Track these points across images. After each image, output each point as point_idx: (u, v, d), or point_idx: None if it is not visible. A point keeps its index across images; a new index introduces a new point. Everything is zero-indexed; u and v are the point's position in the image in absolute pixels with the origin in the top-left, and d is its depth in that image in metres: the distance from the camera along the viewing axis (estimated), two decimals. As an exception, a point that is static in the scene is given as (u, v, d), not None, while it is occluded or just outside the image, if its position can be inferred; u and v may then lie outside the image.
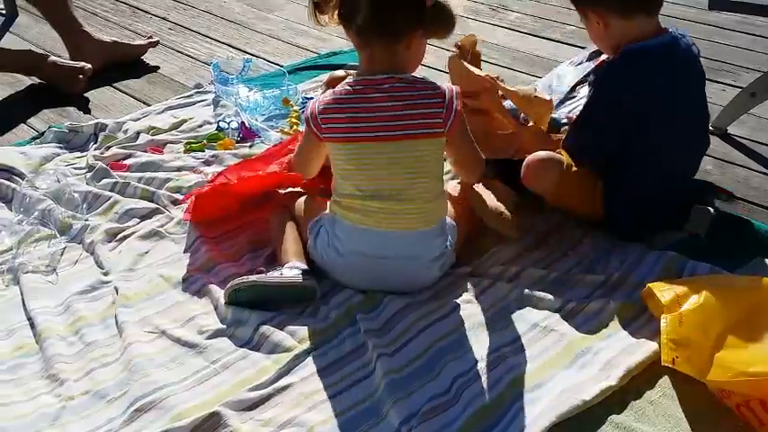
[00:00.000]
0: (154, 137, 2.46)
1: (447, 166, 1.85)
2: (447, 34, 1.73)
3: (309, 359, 1.55)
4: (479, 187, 1.88)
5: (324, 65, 3.02)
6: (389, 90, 1.65)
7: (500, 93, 2.02)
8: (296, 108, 2.61)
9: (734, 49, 3.07)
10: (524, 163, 1.84)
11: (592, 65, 2.31)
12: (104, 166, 2.27)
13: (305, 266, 1.74)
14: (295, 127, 2.49)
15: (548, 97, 2.01)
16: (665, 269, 1.75)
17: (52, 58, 2.88)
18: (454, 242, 1.78)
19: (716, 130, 2.42)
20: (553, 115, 2.02)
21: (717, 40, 3.15)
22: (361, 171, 1.69)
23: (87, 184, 2.22)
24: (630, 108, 1.74)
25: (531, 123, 2.04)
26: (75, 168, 2.32)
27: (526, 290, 1.71)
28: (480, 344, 1.56)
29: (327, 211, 1.78)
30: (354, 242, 1.70)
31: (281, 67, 3.02)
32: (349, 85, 1.69)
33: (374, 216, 1.68)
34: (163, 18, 3.62)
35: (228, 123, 2.54)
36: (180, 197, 2.12)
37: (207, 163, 2.32)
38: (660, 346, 1.44)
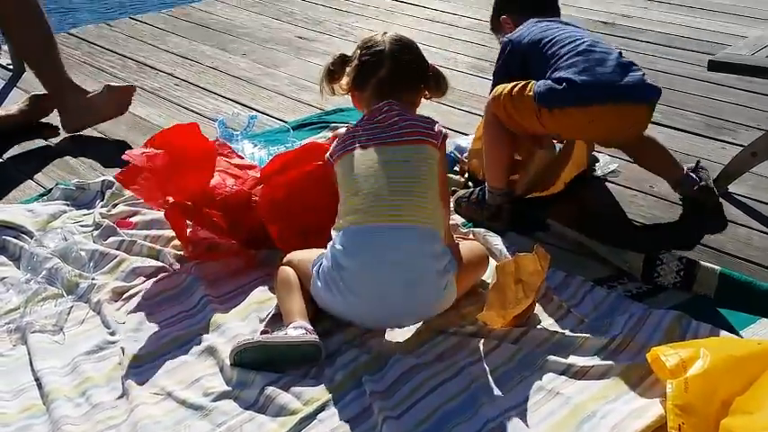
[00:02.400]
0: (160, 194, 2.48)
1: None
2: (442, 95, 2.05)
3: (315, 422, 1.55)
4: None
5: (328, 121, 3.06)
6: (388, 111, 1.90)
7: None
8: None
9: (733, 107, 3.11)
10: None
11: None
12: (111, 223, 2.29)
13: (310, 326, 1.74)
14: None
15: None
16: (668, 329, 1.75)
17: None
18: (457, 273, 1.80)
19: (717, 189, 2.44)
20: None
21: (716, 97, 3.19)
22: (364, 174, 1.82)
23: (94, 242, 2.24)
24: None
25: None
26: (82, 226, 2.34)
27: (531, 351, 1.72)
28: (487, 406, 1.56)
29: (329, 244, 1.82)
30: (359, 245, 1.75)
31: (286, 123, 3.07)
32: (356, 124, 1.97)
33: (377, 211, 1.77)
34: (169, 74, 3.68)
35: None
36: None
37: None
38: (666, 412, 1.44)
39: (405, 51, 1.98)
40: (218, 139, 2.61)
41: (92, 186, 2.54)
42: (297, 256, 1.92)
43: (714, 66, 2.30)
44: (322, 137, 2.85)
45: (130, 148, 2.89)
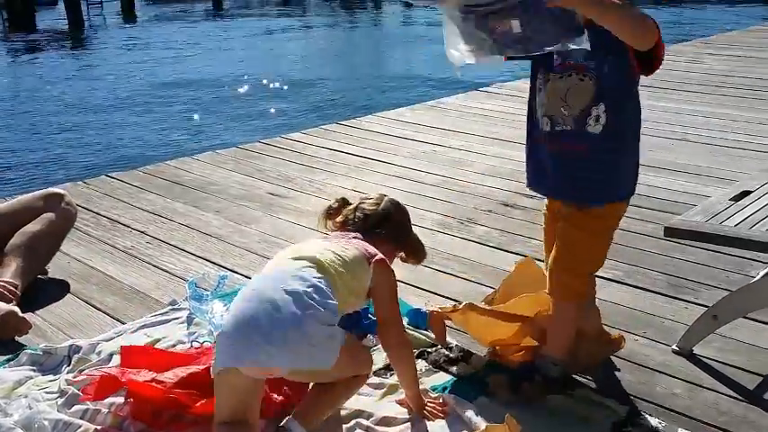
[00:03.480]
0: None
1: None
2: (417, 262, 2.44)
3: None
4: None
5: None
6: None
7: None
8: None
9: (694, 266, 3.20)
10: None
11: None
12: (76, 391, 2.25)
13: None
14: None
15: None
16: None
17: None
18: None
19: (682, 351, 2.48)
20: None
21: (677, 256, 3.28)
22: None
23: (58, 410, 2.18)
24: None
25: None
26: (48, 393, 2.29)
27: None
28: None
29: None
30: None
31: (257, 282, 3.09)
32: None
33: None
34: (142, 232, 3.73)
35: (201, 344, 2.55)
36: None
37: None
38: None
39: (397, 212, 2.35)
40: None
41: (59, 351, 2.51)
42: None
43: (670, 232, 2.39)
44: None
45: (98, 309, 2.91)
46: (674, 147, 4.98)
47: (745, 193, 2.61)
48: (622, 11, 1.89)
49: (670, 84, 6.78)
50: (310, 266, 2.00)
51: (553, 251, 2.26)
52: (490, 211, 3.97)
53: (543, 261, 2.46)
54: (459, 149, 5.15)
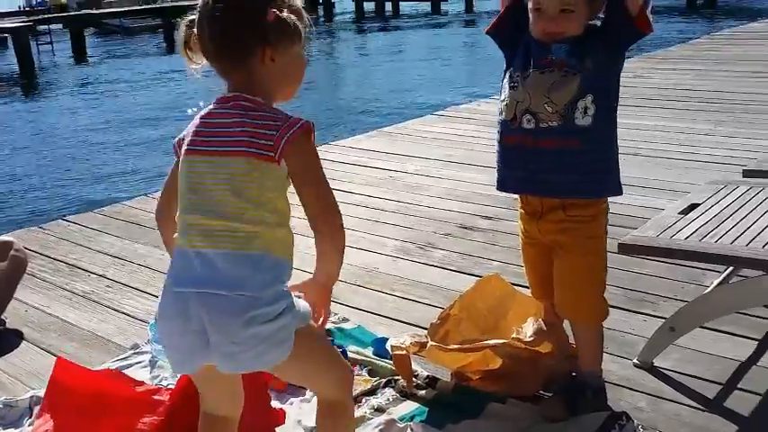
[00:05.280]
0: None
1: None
2: (296, 44, 1.68)
3: None
4: None
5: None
6: (231, 107, 1.65)
7: None
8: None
9: (650, 279, 3.26)
10: None
11: None
12: (38, 444, 2.21)
13: None
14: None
15: None
16: None
17: None
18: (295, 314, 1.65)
19: (642, 364, 2.52)
20: None
21: (634, 269, 3.34)
22: (186, 184, 1.67)
23: (20, 465, 2.15)
24: None
25: None
26: (9, 448, 2.25)
27: None
28: None
29: None
30: (173, 273, 1.67)
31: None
32: (212, 102, 1.71)
33: (188, 235, 1.64)
34: (101, 275, 3.68)
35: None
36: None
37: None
38: None
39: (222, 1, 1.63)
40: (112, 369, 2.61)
41: (20, 403, 2.48)
42: None
43: (624, 248, 2.45)
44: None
45: (58, 355, 2.86)
46: (626, 161, 4.99)
47: (694, 206, 2.68)
48: None
49: (621, 99, 6.91)
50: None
51: (566, 286, 2.27)
52: (449, 234, 4.01)
53: (528, 288, 2.50)
54: (416, 174, 5.20)
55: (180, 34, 1.72)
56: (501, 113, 2.22)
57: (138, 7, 34.10)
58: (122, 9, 33.08)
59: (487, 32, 2.31)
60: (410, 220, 4.26)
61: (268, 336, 1.61)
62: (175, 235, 1.71)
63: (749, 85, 7.48)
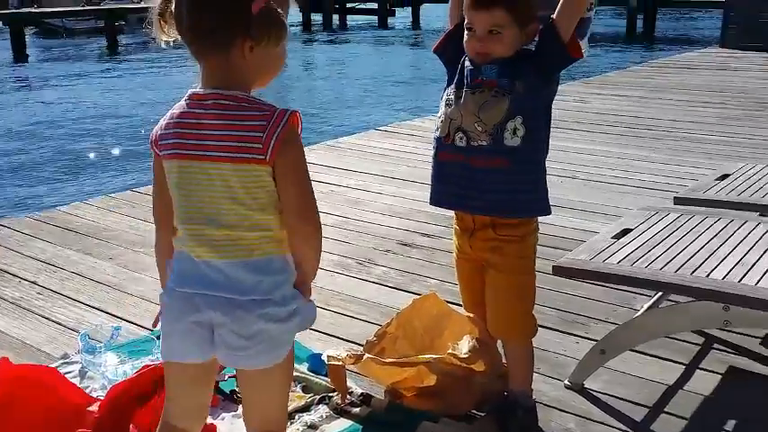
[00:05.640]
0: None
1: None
2: (278, 42, 1.61)
3: None
4: None
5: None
6: (212, 107, 1.59)
7: None
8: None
9: (583, 300, 3.33)
10: None
11: None
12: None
13: None
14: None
15: None
16: None
17: None
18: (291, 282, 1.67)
19: (573, 386, 2.57)
20: None
21: (567, 291, 3.40)
22: (181, 192, 1.65)
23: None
24: None
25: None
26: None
27: None
28: None
29: None
30: (179, 276, 1.66)
31: (152, 331, 3.02)
32: (184, 100, 1.64)
33: (190, 244, 1.64)
34: (32, 282, 3.58)
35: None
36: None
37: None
38: None
39: None
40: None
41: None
42: None
43: (558, 271, 2.49)
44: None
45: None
46: (564, 183, 5.20)
47: (626, 231, 2.75)
48: None
49: (559, 123, 7.05)
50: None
51: (496, 303, 2.32)
52: (388, 250, 4.02)
53: (462, 305, 2.53)
54: (357, 189, 5.21)
55: (155, 5, 1.64)
56: (437, 130, 2.27)
57: (81, 8, 33.40)
58: (65, 9, 32.35)
59: (434, 51, 2.35)
60: (350, 236, 4.26)
61: (276, 335, 1.64)
62: (175, 240, 1.69)
63: (683, 114, 7.73)
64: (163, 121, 1.66)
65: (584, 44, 2.32)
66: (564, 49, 2.12)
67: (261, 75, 1.65)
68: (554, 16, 2.13)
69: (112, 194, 5.16)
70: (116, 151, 10.52)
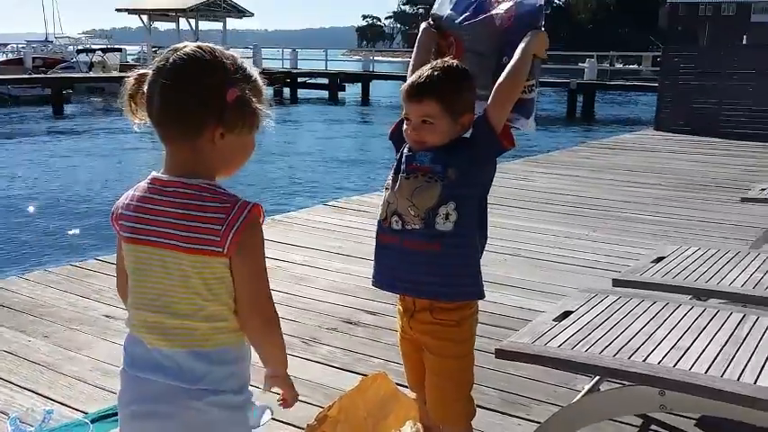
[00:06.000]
0: None
1: None
2: (250, 131, 1.61)
3: None
4: None
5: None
6: (173, 195, 1.57)
7: None
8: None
9: (525, 381, 3.34)
10: None
11: None
12: None
13: None
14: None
15: None
16: None
17: None
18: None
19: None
20: None
21: (509, 371, 3.41)
22: (135, 277, 1.63)
23: None
24: None
25: None
26: None
27: None
28: None
29: None
30: (131, 357, 1.65)
31: (86, 414, 2.92)
32: (147, 183, 1.63)
33: (142, 331, 1.63)
34: (-41, 361, 3.45)
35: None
36: None
37: None
38: None
39: (181, 68, 1.55)
40: None
41: None
42: None
43: (500, 354, 2.51)
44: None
45: None
46: (508, 261, 5.27)
47: (567, 313, 2.79)
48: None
49: (503, 201, 7.23)
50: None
51: (433, 387, 2.32)
52: (334, 328, 4.00)
53: (408, 387, 2.52)
54: (303, 265, 5.19)
55: (127, 86, 1.63)
56: (379, 212, 2.32)
57: (27, 76, 33.16)
58: (10, 77, 32.07)
59: (389, 138, 2.41)
60: (295, 313, 4.23)
61: (225, 427, 1.61)
62: (127, 322, 1.67)
63: (621, 194, 7.98)
64: (124, 200, 1.65)
65: (530, 122, 2.41)
66: (496, 139, 2.20)
67: (228, 163, 1.64)
68: (486, 106, 2.21)
69: (50, 269, 5.04)
70: (56, 225, 10.30)
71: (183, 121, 1.56)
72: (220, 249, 1.54)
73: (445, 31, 2.46)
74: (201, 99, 1.54)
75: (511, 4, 2.35)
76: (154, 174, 1.62)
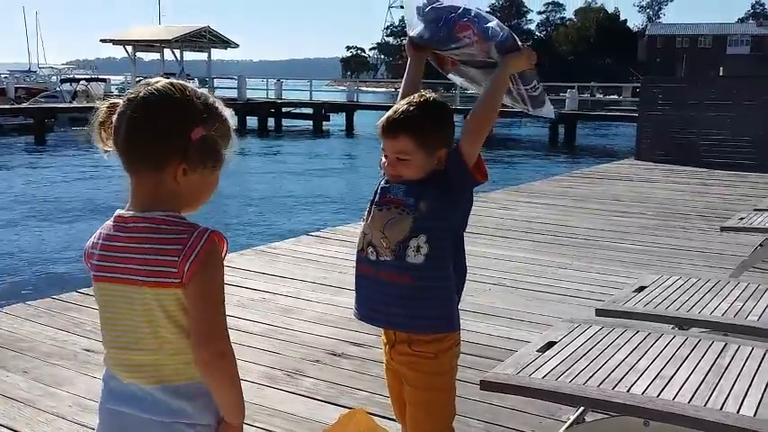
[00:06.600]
0: None
1: None
2: (212, 171, 1.63)
3: None
4: None
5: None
6: (132, 230, 1.58)
7: None
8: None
9: (510, 412, 3.31)
10: None
11: None
12: None
13: None
14: None
15: None
16: None
17: None
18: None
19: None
20: None
21: (495, 402, 3.38)
22: (104, 315, 1.65)
23: None
24: None
25: None
26: None
27: None
28: None
29: None
30: (109, 391, 1.66)
31: (66, 451, 2.88)
32: (112, 221, 1.63)
33: (114, 367, 1.64)
34: (-64, 398, 3.39)
35: None
36: None
37: None
38: None
39: (149, 104, 1.56)
40: None
41: None
42: None
43: (484, 386, 2.50)
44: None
45: None
46: (490, 291, 5.27)
47: (551, 344, 2.80)
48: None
49: (486, 230, 7.26)
50: None
51: (410, 418, 2.32)
52: (318, 360, 3.97)
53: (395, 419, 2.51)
54: (289, 296, 5.17)
55: (98, 114, 1.64)
56: (357, 242, 2.34)
57: (9, 106, 33.05)
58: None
59: (380, 167, 2.42)
60: (279, 345, 4.20)
61: None
62: (104, 359, 1.68)
63: (603, 223, 8.03)
64: (93, 239, 1.66)
65: (547, 107, 2.55)
66: (468, 172, 2.22)
67: (191, 199, 1.64)
68: (459, 140, 2.23)
69: (30, 302, 4.98)
70: (36, 257, 10.21)
71: (145, 155, 1.57)
72: (178, 280, 1.53)
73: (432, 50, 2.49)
74: (166, 136, 1.56)
75: (475, 38, 2.36)
76: (118, 211, 1.63)
